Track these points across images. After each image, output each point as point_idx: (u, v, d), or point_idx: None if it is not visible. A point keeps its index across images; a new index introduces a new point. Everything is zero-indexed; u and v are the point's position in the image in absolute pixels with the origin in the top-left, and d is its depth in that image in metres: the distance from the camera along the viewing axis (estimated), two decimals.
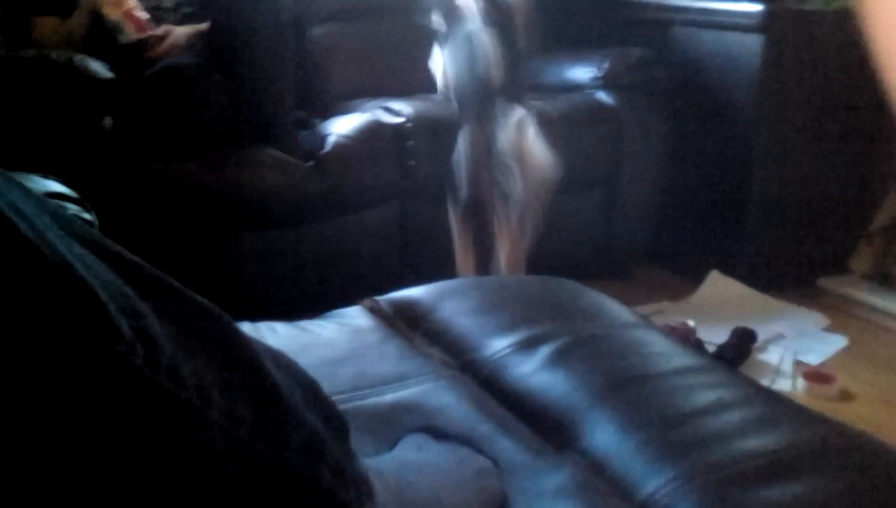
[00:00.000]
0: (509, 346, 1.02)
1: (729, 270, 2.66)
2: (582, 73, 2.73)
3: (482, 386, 0.97)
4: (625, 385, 0.90)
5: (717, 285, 2.65)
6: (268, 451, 0.56)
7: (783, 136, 2.62)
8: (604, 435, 0.85)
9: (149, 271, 0.56)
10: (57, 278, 0.45)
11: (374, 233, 2.35)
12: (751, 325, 2.28)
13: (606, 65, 2.68)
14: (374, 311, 1.15)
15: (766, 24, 2.54)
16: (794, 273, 2.73)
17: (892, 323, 2.50)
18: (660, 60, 2.73)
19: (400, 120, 2.37)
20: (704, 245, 2.78)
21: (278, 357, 0.64)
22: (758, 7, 2.56)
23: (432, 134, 2.33)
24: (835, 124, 2.68)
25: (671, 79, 2.73)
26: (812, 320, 2.51)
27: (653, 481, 0.78)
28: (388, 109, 2.43)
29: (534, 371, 0.96)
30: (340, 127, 2.34)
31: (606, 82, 2.67)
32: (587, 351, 0.98)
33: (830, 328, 2.46)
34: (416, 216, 2.39)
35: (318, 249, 2.27)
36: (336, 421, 0.66)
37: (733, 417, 0.86)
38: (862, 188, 2.79)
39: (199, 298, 0.58)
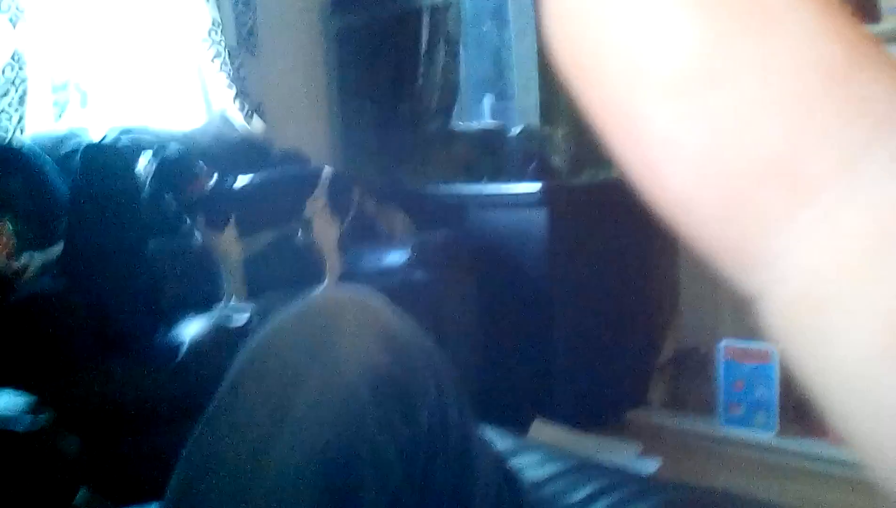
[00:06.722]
0: None
1: (550, 413, 2.99)
2: (396, 256, 3.06)
3: None
4: None
5: (542, 433, 2.95)
6: None
7: (577, 289, 3.05)
8: None
9: None
10: None
11: None
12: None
13: (416, 247, 3.03)
14: None
15: (545, 200, 3.00)
16: (607, 409, 3.10)
17: (691, 442, 2.91)
18: (461, 239, 3.13)
19: (244, 320, 2.56)
20: (525, 395, 3.11)
21: None
22: (536, 186, 3.02)
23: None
24: (622, 271, 3.15)
25: (473, 253, 3.12)
26: (627, 448, 2.87)
27: None
28: (233, 311, 2.62)
29: None
30: (191, 331, 2.50)
31: (418, 262, 3.02)
32: None
33: (643, 454, 2.82)
34: None
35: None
36: None
37: None
38: (650, 325, 3.25)
39: None
